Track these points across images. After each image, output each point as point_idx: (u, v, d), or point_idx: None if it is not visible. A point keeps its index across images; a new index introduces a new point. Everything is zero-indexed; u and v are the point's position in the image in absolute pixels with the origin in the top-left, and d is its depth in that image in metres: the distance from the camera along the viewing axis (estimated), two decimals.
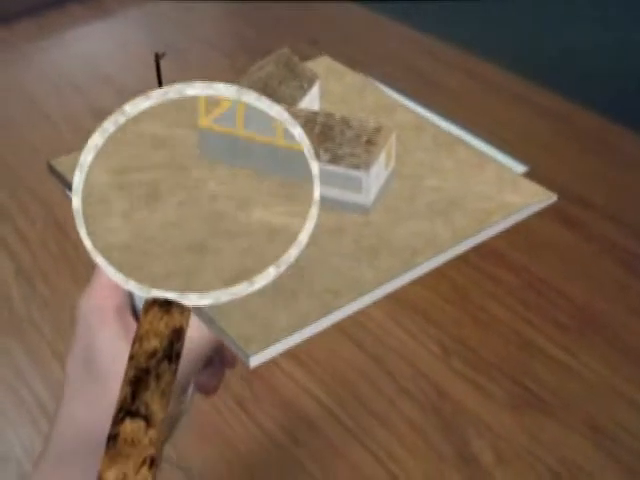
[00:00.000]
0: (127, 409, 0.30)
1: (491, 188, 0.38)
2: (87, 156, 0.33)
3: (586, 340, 0.77)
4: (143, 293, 0.32)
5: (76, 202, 0.33)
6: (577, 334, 0.77)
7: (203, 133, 0.39)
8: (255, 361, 0.30)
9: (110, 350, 0.37)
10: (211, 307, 0.32)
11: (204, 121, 0.38)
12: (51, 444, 0.38)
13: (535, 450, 0.67)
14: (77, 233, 0.37)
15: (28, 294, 0.82)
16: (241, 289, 0.31)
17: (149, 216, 0.37)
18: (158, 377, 0.30)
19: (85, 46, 1.31)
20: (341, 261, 0.34)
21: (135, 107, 0.33)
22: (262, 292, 0.32)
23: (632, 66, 1.37)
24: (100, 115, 0.40)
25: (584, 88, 1.21)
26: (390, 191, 0.38)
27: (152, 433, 0.29)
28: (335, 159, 0.35)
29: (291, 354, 0.74)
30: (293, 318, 0.32)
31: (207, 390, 0.42)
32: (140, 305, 0.39)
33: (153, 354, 0.31)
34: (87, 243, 0.33)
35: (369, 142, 0.36)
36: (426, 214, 0.37)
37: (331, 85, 0.45)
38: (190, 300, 0.32)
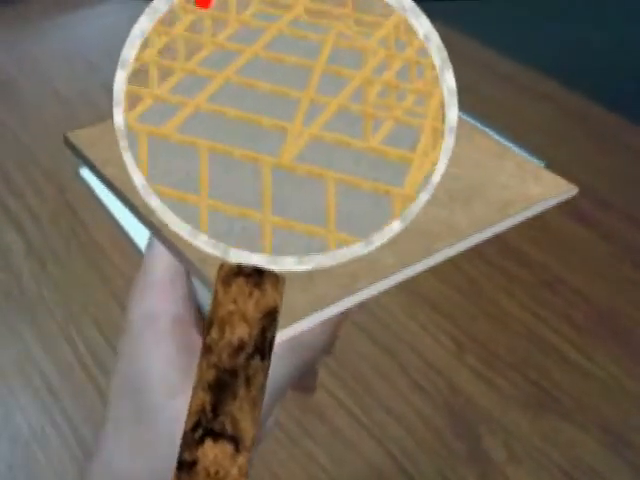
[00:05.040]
0: (207, 426, 0.22)
1: (512, 178, 0.38)
2: (144, 22, 0.24)
3: (601, 341, 0.76)
4: (218, 252, 0.23)
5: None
6: (592, 334, 0.77)
7: None
8: None
9: (164, 377, 0.28)
10: None
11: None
12: None
13: (547, 450, 0.66)
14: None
15: (38, 274, 0.82)
16: (355, 250, 0.24)
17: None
18: (248, 381, 0.22)
19: (102, 24, 1.30)
20: None
21: None
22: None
23: None
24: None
25: (605, 87, 1.20)
26: None
27: (242, 460, 0.21)
28: None
29: None
30: (310, 301, 0.31)
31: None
32: (204, 300, 0.33)
33: (241, 347, 0.22)
34: (136, 175, 0.23)
35: None
36: (446, 202, 0.36)
37: None
38: (284, 265, 0.23)
